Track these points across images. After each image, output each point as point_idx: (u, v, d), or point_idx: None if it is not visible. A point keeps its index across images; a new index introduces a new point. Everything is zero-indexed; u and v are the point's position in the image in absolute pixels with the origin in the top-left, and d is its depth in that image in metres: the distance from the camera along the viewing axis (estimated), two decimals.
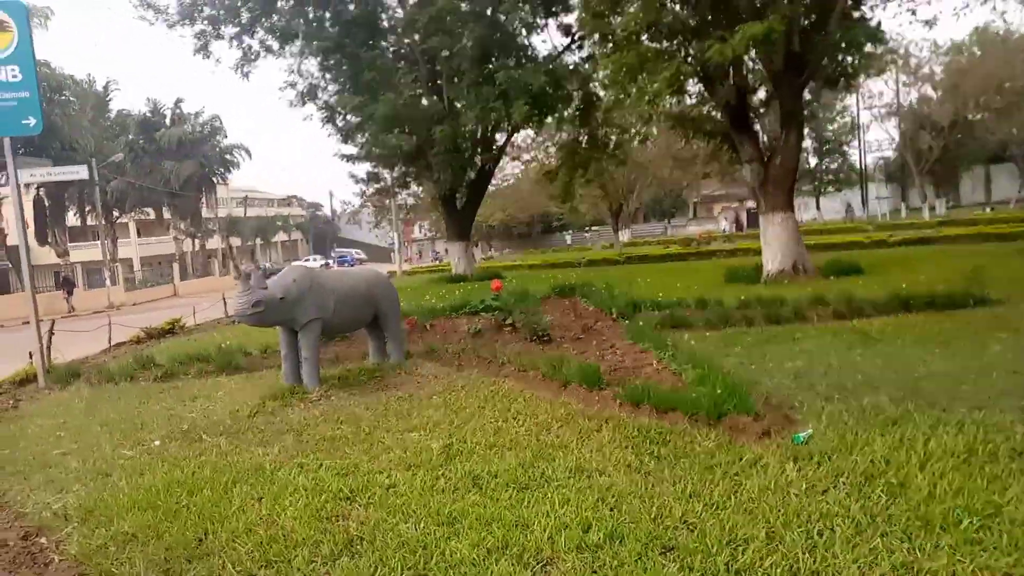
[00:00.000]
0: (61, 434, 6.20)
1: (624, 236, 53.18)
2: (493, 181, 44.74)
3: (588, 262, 28.19)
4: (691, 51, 13.30)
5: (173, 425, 6.22)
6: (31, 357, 9.61)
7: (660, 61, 12.86)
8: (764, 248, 14.80)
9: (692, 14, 13.47)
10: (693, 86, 15.39)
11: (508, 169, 43.81)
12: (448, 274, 23.09)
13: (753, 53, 13.51)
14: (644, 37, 13.28)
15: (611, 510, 3.78)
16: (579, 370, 6.54)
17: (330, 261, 66.38)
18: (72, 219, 41.51)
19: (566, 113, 21.84)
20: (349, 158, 22.05)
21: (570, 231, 62.05)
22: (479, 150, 21.61)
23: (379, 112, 18.84)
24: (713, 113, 16.13)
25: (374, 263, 68.71)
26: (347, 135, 21.85)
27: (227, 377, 8.45)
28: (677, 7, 13.61)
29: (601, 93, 20.32)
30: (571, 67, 21.21)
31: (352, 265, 70.54)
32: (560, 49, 21.89)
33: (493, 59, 19.77)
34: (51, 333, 10.34)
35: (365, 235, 78.69)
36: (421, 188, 24.80)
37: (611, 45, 14.28)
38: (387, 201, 33.49)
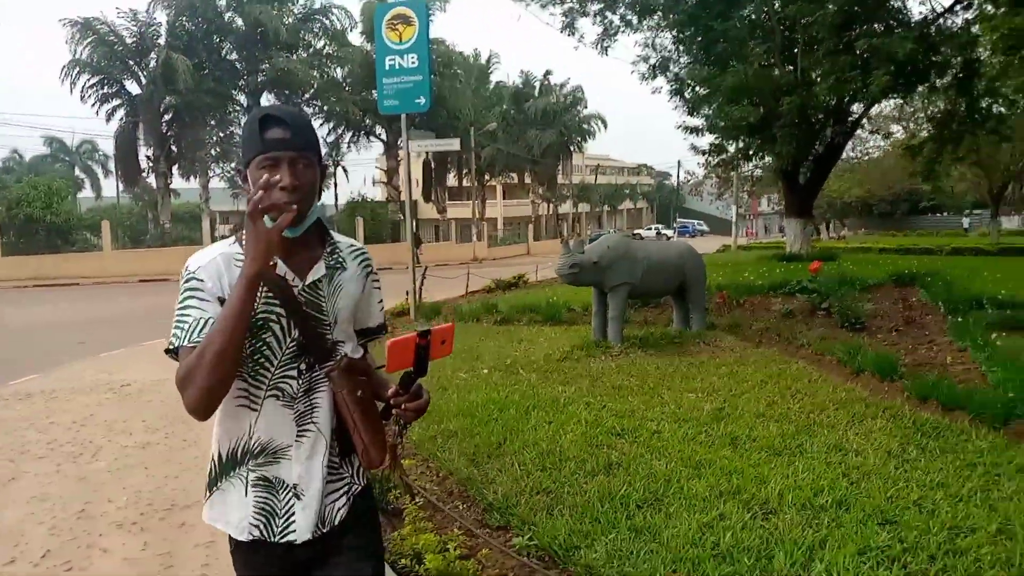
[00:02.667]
0: None
1: (1011, 223, 46.01)
2: (851, 154, 41.72)
3: (952, 250, 25.29)
4: None
5: (500, 359, 7.59)
6: (407, 295, 11.92)
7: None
8: None
9: None
10: None
11: (872, 141, 40.39)
12: (782, 252, 22.49)
13: None
14: None
15: (850, 483, 4.05)
16: (874, 359, 6.54)
17: (663, 230, 67.20)
18: (451, 180, 47.78)
19: (939, 83, 19.79)
20: (692, 130, 22.44)
21: (953, 213, 55.04)
22: (831, 122, 20.57)
23: (727, 83, 18.92)
24: None
25: (716, 235, 68.08)
26: (693, 107, 22.22)
27: (550, 327, 9.77)
28: None
29: (984, 58, 18.08)
30: (954, 30, 19.06)
31: (692, 236, 70.64)
32: (942, 10, 19.77)
33: (856, 26, 18.63)
34: (423, 278, 12.66)
35: (709, 207, 77.99)
36: (764, 161, 24.24)
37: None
38: (731, 173, 33.15)
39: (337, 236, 1.74)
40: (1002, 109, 20.07)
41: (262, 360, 1.58)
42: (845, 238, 48.69)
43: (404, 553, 3.43)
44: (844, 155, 40.18)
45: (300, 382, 1.61)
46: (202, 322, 1.51)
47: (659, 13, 20.97)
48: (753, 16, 20.71)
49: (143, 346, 10.26)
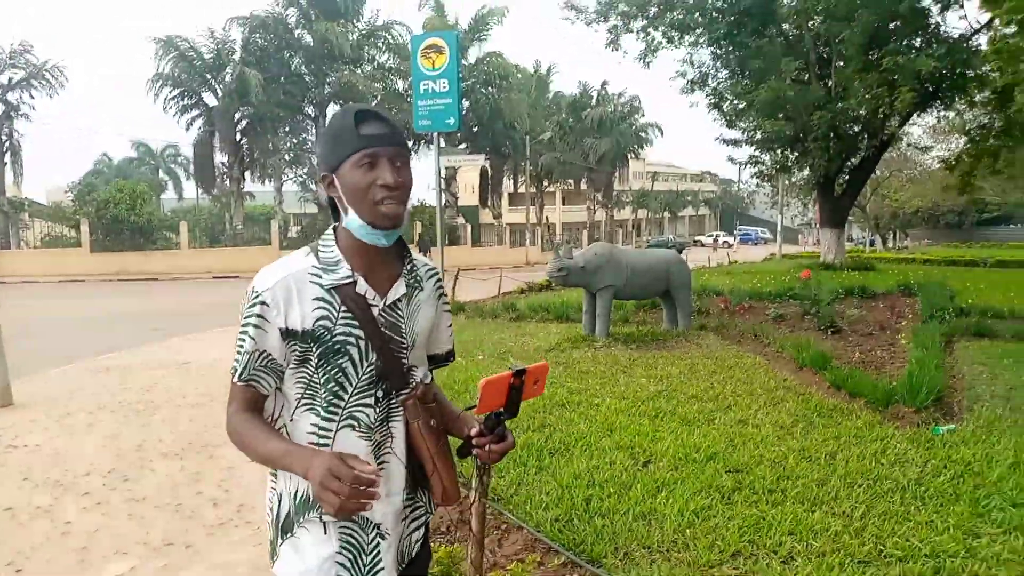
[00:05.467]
0: None
1: None
2: (915, 166, 41.31)
3: (997, 263, 25.27)
4: None
5: (497, 349, 8.78)
6: None
7: None
8: None
9: None
10: None
11: (936, 151, 40.02)
12: (816, 261, 22.99)
13: None
14: None
15: (730, 447, 5.08)
16: (813, 355, 7.47)
17: (725, 237, 67.00)
18: (509, 186, 49.20)
19: (978, 97, 20.12)
20: (730, 142, 23.23)
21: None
22: (864, 136, 21.08)
23: (761, 97, 19.74)
24: None
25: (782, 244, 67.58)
26: (731, 120, 23.01)
27: (557, 324, 10.90)
28: None
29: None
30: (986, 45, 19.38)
31: (755, 243, 70.22)
32: (977, 26, 20.09)
33: (890, 42, 19.14)
34: (456, 278, 13.97)
35: (769, 214, 77.36)
36: (802, 173, 24.77)
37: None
38: (785, 183, 33.55)
39: (414, 253, 1.65)
40: None
41: (336, 389, 1.48)
42: (908, 248, 48.02)
43: None
44: (914, 166, 40.00)
45: (377, 410, 1.51)
46: (255, 357, 1.45)
47: (698, 30, 21.85)
48: (788, 34, 21.40)
49: (207, 333, 11.83)
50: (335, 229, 1.54)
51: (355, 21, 33.12)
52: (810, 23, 20.26)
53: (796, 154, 21.76)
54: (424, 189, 52.29)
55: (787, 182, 31.96)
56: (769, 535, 3.71)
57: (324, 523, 1.49)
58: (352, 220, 1.47)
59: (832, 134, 19.74)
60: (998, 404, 5.97)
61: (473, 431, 1.54)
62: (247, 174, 33.95)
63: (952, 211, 54.28)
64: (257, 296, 1.44)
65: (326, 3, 31.98)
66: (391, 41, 33.09)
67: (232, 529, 3.92)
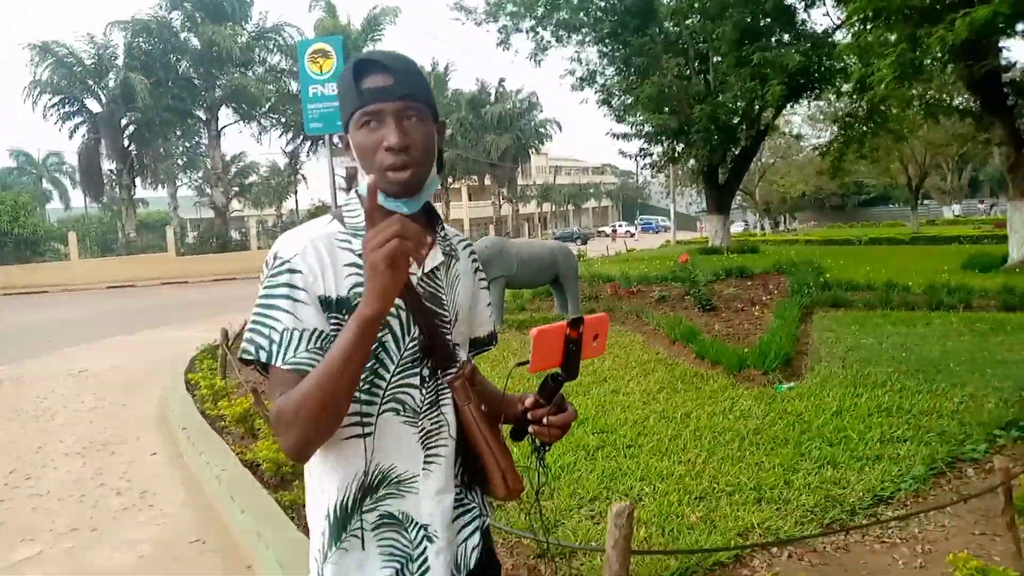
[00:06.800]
0: None
1: (950, 212, 48.38)
2: (804, 152, 43.76)
3: (869, 240, 27.31)
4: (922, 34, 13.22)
5: None
6: None
7: (886, 46, 13.08)
8: (1010, 235, 14.14)
9: None
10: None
11: (818, 140, 42.58)
12: (703, 246, 24.30)
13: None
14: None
15: (601, 412, 5.66)
16: (683, 330, 8.19)
17: (627, 227, 69.01)
18: None
19: (843, 88, 21.70)
20: (620, 136, 24.22)
21: (903, 204, 57.37)
22: (742, 127, 22.41)
23: (645, 93, 20.76)
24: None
25: (680, 231, 70.14)
26: (620, 116, 24.00)
27: None
28: None
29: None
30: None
31: (656, 232, 72.54)
32: (839, 22, 21.66)
33: (760, 39, 20.43)
34: None
35: (665, 204, 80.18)
36: (689, 163, 26.06)
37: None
38: (677, 172, 35.05)
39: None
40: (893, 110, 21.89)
41: (376, 367, 1.28)
42: (794, 231, 50.74)
43: None
44: (796, 152, 42.32)
45: (424, 392, 1.33)
46: (297, 336, 1.21)
47: (584, 29, 22.70)
48: (668, 31, 22.49)
49: (101, 342, 11.69)
50: (359, 194, 1.36)
51: (243, 23, 32.52)
52: (687, 21, 21.39)
53: (682, 145, 22.90)
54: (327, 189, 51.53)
55: (679, 172, 33.43)
56: (623, 482, 4.28)
57: (362, 538, 1.29)
58: (366, 186, 1.24)
59: (713, 126, 20.90)
60: (836, 363, 6.80)
61: (528, 401, 1.38)
62: (138, 180, 32.87)
63: (836, 194, 57.66)
64: (284, 263, 1.24)
65: (212, 6, 31.30)
66: (282, 43, 32.69)
67: (136, 512, 4.21)
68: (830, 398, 5.65)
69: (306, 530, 3.66)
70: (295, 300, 1.22)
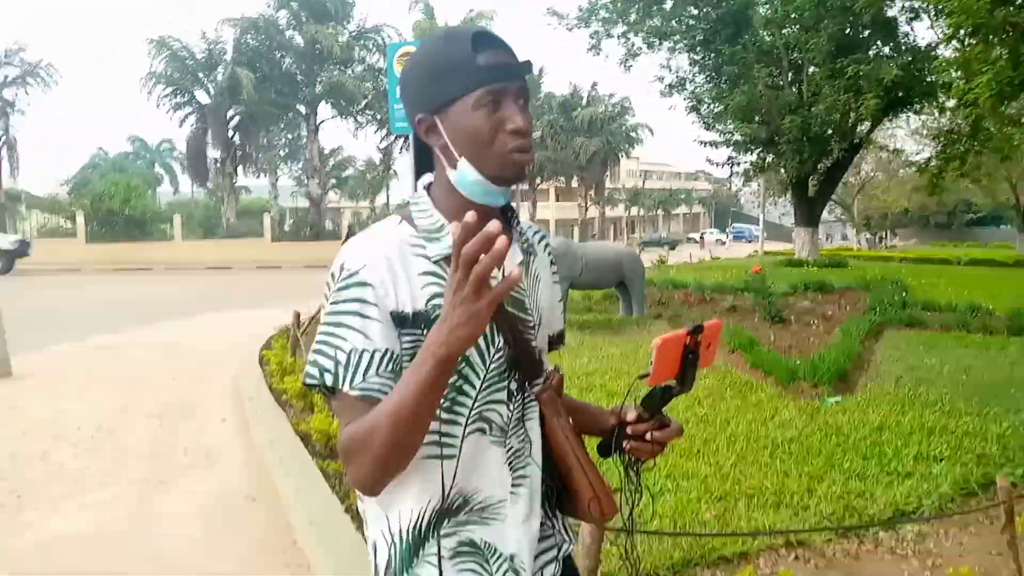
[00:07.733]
0: None
1: None
2: (900, 167, 42.05)
3: (968, 261, 26.09)
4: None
5: None
6: None
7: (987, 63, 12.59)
8: None
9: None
10: None
11: (917, 156, 40.83)
12: (790, 257, 23.78)
13: None
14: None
15: None
16: (742, 340, 8.21)
17: (718, 235, 67.78)
18: None
19: (947, 104, 20.86)
20: (708, 144, 24.00)
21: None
22: (834, 140, 21.85)
23: (735, 101, 20.56)
24: None
25: (772, 241, 68.41)
26: (709, 123, 23.79)
27: None
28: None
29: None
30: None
31: (749, 241, 70.97)
32: (943, 36, 20.82)
33: (856, 51, 19.89)
34: None
35: (758, 212, 78.27)
36: (779, 174, 25.57)
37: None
38: (766, 182, 34.34)
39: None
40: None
41: (460, 383, 1.14)
42: (895, 248, 48.85)
43: None
44: (901, 166, 40.76)
45: (511, 407, 1.20)
46: (368, 357, 1.08)
47: (676, 36, 22.62)
48: (761, 41, 22.15)
49: (194, 318, 12.51)
50: (427, 188, 1.21)
51: (344, 23, 33.99)
52: (783, 31, 21.02)
53: (771, 156, 22.52)
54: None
55: (769, 182, 32.76)
56: (646, 477, 4.42)
57: (439, 566, 1.14)
58: (465, 174, 1.13)
59: (804, 137, 20.50)
60: (890, 381, 6.72)
61: (630, 415, 1.25)
62: (240, 169, 34.81)
63: (941, 212, 55.00)
64: (352, 275, 1.10)
65: (316, 6, 32.76)
66: (381, 43, 33.88)
67: (200, 469, 4.69)
68: (874, 414, 5.63)
69: (340, 494, 4.02)
70: (365, 317, 1.09)
